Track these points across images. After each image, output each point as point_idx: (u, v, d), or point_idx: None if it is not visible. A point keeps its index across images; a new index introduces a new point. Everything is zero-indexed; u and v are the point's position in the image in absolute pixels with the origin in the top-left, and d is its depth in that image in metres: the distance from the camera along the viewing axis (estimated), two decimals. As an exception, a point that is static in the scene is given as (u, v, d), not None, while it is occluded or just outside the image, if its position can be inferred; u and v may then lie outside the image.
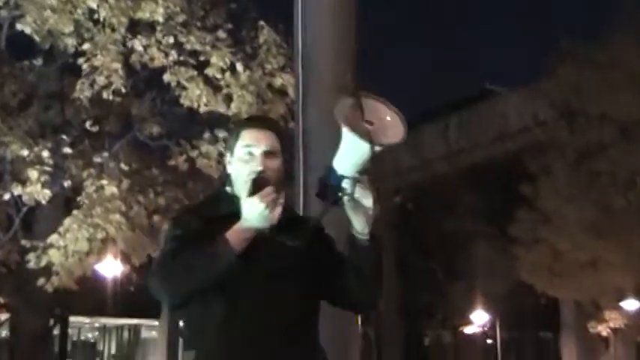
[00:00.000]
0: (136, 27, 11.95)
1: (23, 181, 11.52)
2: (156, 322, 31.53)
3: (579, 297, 22.10)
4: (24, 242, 12.24)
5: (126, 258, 13.97)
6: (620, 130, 19.55)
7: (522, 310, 26.12)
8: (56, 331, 22.31)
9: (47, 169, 11.66)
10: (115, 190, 11.81)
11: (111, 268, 15.37)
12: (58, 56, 12.82)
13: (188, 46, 12.00)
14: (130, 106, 13.88)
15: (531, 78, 24.33)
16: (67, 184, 12.36)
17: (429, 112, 28.39)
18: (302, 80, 3.87)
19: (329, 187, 2.49)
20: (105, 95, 11.60)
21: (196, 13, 12.43)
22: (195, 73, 11.97)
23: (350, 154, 2.43)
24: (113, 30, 11.56)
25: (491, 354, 29.50)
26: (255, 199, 2.43)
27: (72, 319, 25.94)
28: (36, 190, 11.36)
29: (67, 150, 12.50)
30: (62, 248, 11.57)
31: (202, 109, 12.10)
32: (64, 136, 12.77)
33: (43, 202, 11.60)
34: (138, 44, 11.80)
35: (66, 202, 13.18)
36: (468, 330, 28.61)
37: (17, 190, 11.49)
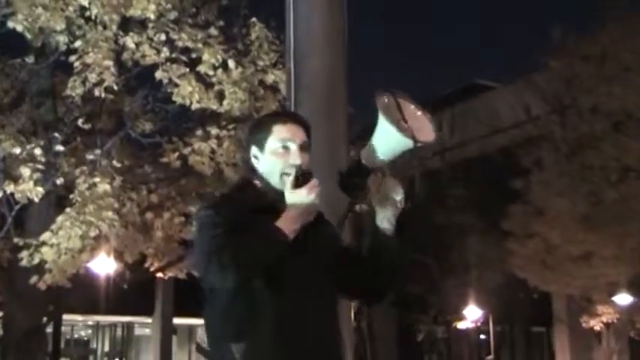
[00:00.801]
0: (127, 24, 11.93)
1: (15, 179, 11.49)
2: (149, 320, 31.57)
3: (572, 291, 22.14)
4: (16, 240, 12.22)
5: (119, 255, 13.96)
6: (612, 123, 19.59)
7: (515, 305, 26.17)
8: (49, 329, 22.24)
9: (39, 166, 11.63)
10: (107, 187, 11.79)
11: (104, 265, 15.32)
12: (49, 54, 12.79)
13: (180, 43, 11.98)
14: (122, 104, 13.89)
15: (523, 72, 24.35)
16: (59, 181, 12.34)
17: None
18: (294, 76, 3.87)
19: (354, 180, 2.59)
20: (97, 93, 11.58)
21: (188, 10, 12.42)
22: (187, 70, 11.96)
23: (384, 148, 2.52)
24: (105, 27, 11.54)
25: (484, 349, 29.58)
26: (304, 191, 2.51)
27: (65, 316, 25.81)
28: (28, 188, 11.33)
29: (60, 147, 12.49)
30: (55, 246, 11.56)
31: (194, 106, 12.10)
32: (56, 134, 12.76)
33: (36, 199, 11.58)
34: (130, 41, 11.78)
35: (58, 200, 13.16)
36: (461, 325, 28.65)
37: (9, 187, 11.46)
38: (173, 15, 11.95)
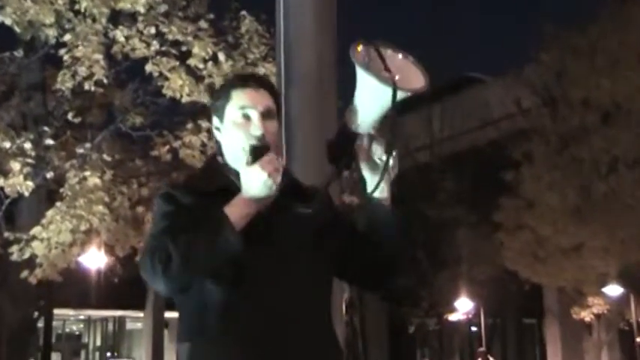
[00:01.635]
0: (117, 17, 11.90)
1: (5, 173, 11.46)
2: (141, 314, 31.50)
3: (562, 283, 22.20)
4: (7, 234, 12.19)
5: (110, 249, 13.97)
6: (602, 116, 19.64)
7: (506, 297, 26.21)
8: (40, 324, 22.22)
9: (29, 160, 11.61)
10: (97, 181, 11.78)
11: (95, 259, 15.33)
12: (39, 47, 12.76)
13: (170, 37, 11.96)
14: (112, 97, 13.86)
15: (513, 65, 24.38)
16: (49, 175, 12.32)
17: (412, 100, 28.36)
18: (284, 69, 3.86)
19: (341, 148, 2.28)
20: (87, 86, 11.55)
21: (178, 3, 12.39)
22: (178, 63, 11.93)
23: (368, 105, 2.23)
24: (94, 20, 11.50)
25: (475, 341, 29.63)
26: (257, 168, 2.15)
27: (56, 311, 25.87)
28: (18, 182, 11.31)
29: (50, 141, 12.46)
30: (45, 240, 11.55)
31: (185, 100, 12.07)
32: (46, 128, 12.73)
33: (26, 193, 11.56)
34: (119, 35, 11.75)
35: (49, 194, 13.14)
36: (452, 317, 28.70)
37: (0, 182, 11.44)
38: (163, 8, 11.92)
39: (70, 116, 12.86)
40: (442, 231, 25.68)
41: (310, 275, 2.28)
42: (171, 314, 31.09)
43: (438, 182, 26.57)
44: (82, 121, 13.31)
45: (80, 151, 12.49)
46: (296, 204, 2.28)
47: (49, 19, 11.35)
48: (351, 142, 2.28)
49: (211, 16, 12.54)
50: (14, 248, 11.72)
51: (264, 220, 2.21)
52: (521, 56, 23.68)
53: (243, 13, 12.68)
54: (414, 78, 2.27)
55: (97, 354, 37.93)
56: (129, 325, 37.10)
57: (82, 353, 38.41)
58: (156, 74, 12.02)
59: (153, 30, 11.86)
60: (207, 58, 11.93)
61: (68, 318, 35.92)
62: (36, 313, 16.14)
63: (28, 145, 11.72)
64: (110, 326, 37.48)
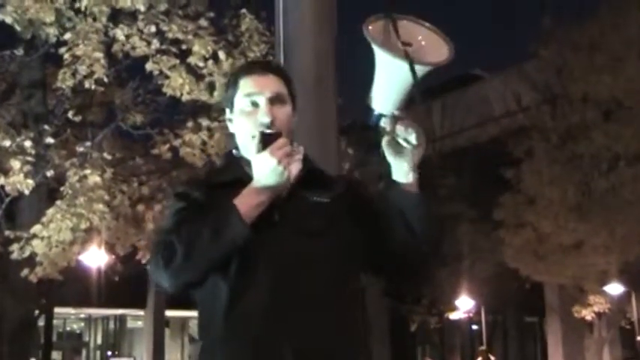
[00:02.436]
0: (117, 16, 11.89)
1: (6, 172, 11.46)
2: (142, 312, 31.57)
3: (563, 280, 22.20)
4: (7, 233, 12.19)
5: (110, 248, 13.98)
6: (602, 112, 19.63)
7: (507, 295, 26.21)
8: (41, 322, 22.23)
9: (30, 159, 11.61)
10: (98, 179, 11.77)
11: (95, 258, 15.34)
12: (39, 46, 12.76)
13: (170, 35, 11.94)
14: (112, 96, 13.87)
15: (513, 61, 24.40)
16: (49, 174, 12.32)
17: (413, 97, 28.36)
18: (284, 67, 3.85)
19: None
20: (87, 85, 11.53)
21: (178, 2, 12.37)
22: (178, 61, 11.91)
23: (387, 83, 2.11)
24: (94, 19, 11.49)
25: (476, 339, 29.65)
26: (266, 155, 2.06)
27: (57, 309, 25.87)
28: (19, 181, 11.31)
29: (50, 140, 12.47)
30: (46, 239, 11.54)
31: (185, 98, 12.05)
32: (47, 126, 12.74)
33: (26, 192, 11.55)
34: (120, 33, 11.73)
35: (49, 192, 13.15)
36: (453, 315, 28.71)
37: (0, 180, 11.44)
38: (163, 6, 11.90)
39: (70, 115, 12.86)
40: (443, 228, 25.65)
41: (328, 268, 2.14)
42: (172, 313, 31.15)
43: (439, 179, 26.57)
44: (83, 120, 13.30)
45: (80, 149, 12.49)
46: (313, 192, 2.19)
47: (50, 18, 11.33)
48: (376, 123, 2.18)
49: (211, 14, 12.53)
50: (14, 247, 11.72)
51: (278, 210, 2.12)
52: (521, 52, 23.62)
53: (244, 11, 12.66)
54: (436, 49, 2.15)
55: (98, 352, 37.93)
56: (130, 324, 37.12)
57: (83, 352, 38.42)
58: (156, 73, 12.01)
59: (153, 28, 11.84)
60: (207, 56, 11.91)
61: (69, 316, 35.92)
62: (36, 312, 16.14)
63: (28, 144, 11.72)
64: (111, 325, 37.49)
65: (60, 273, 12.28)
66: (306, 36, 3.88)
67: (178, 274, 2.05)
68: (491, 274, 24.83)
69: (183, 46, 11.99)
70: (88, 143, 12.63)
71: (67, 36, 11.53)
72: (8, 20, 11.26)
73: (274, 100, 2.23)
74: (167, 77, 11.92)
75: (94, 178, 11.74)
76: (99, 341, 38.20)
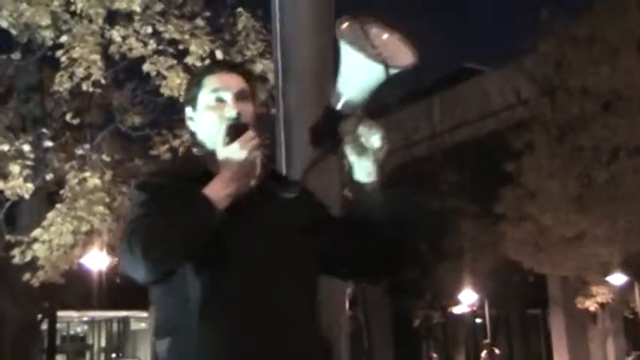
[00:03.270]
0: (113, 17, 11.88)
1: (5, 176, 11.46)
2: (145, 314, 31.56)
3: (566, 272, 22.19)
4: (8, 237, 12.18)
5: (111, 250, 13.94)
6: (602, 104, 19.62)
7: (510, 288, 26.19)
8: (44, 326, 22.22)
9: (29, 162, 11.61)
10: (97, 181, 11.77)
11: (97, 260, 15.33)
12: (36, 49, 12.75)
13: (166, 35, 11.93)
14: (110, 97, 13.85)
15: (512, 55, 24.39)
16: (49, 177, 12.31)
17: (412, 92, 28.39)
18: (281, 65, 3.83)
19: (326, 130, 2.17)
20: (85, 87, 11.52)
21: (174, 2, 12.37)
22: (175, 61, 11.91)
23: (354, 84, 2.13)
24: (90, 21, 11.48)
25: (480, 333, 29.62)
26: (235, 146, 2.10)
27: (60, 313, 25.84)
28: (18, 185, 11.30)
29: (49, 143, 12.46)
30: (47, 242, 11.54)
31: (183, 98, 12.02)
32: (45, 130, 12.72)
33: (26, 196, 11.55)
34: (116, 35, 11.72)
35: (49, 196, 13.14)
36: (456, 310, 28.70)
37: (-1, 185, 11.43)
38: (159, 7, 11.89)
39: (68, 117, 12.83)
40: (444, 223, 25.68)
41: (294, 262, 2.20)
42: (175, 313, 31.14)
43: (439, 174, 26.57)
44: (81, 122, 13.28)
45: (79, 152, 12.48)
46: (278, 189, 2.23)
47: (45, 21, 11.33)
48: (335, 124, 2.17)
49: (208, 13, 12.52)
50: (16, 251, 11.72)
51: (247, 202, 2.14)
52: (519, 46, 23.60)
53: (240, 10, 12.64)
54: (402, 54, 2.15)
55: (102, 355, 37.97)
56: (133, 326, 37.14)
57: (87, 354, 38.47)
58: (153, 73, 12.00)
59: (149, 29, 11.83)
60: (204, 56, 11.90)
61: (72, 319, 35.93)
62: (39, 316, 16.13)
63: (27, 148, 11.71)
64: (115, 327, 37.53)
65: (62, 276, 12.28)
66: (304, 34, 3.86)
67: (157, 263, 2.04)
68: (494, 268, 24.82)
69: (180, 46, 11.98)
70: (87, 146, 12.62)
71: (64, 39, 11.52)
72: (4, 24, 11.26)
73: (239, 96, 2.30)
74: (164, 78, 11.90)
75: (94, 181, 11.73)
76: (102, 344, 38.23)
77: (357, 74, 2.12)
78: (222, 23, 12.87)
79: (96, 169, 12.03)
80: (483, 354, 24.35)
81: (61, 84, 11.70)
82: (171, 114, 13.90)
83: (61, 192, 11.96)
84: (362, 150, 2.21)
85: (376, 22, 2.19)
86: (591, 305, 23.37)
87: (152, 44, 11.86)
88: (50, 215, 11.63)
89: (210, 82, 2.33)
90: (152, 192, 2.20)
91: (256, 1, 12.40)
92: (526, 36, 21.61)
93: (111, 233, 12.77)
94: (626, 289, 22.98)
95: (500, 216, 21.52)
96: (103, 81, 11.66)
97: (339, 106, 2.17)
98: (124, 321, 36.78)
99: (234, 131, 2.15)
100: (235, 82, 2.33)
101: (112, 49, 11.85)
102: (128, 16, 11.86)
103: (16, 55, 12.76)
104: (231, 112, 2.25)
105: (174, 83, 11.82)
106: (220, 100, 2.30)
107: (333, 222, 2.38)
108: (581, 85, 19.67)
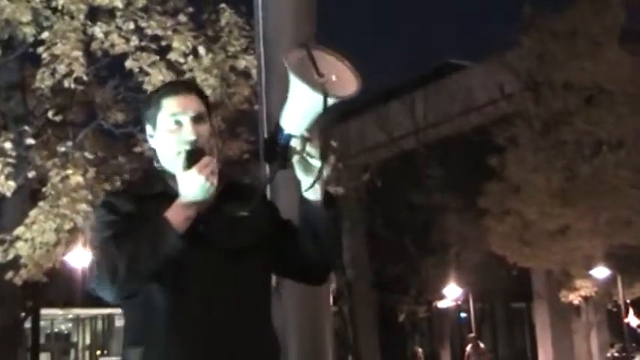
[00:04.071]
0: (95, 14, 11.80)
1: (-14, 174, 11.37)
2: (129, 311, 31.46)
3: (550, 266, 22.30)
4: (-10, 236, 12.10)
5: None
6: (584, 98, 19.72)
7: (495, 282, 26.28)
8: (28, 324, 22.12)
9: (11, 160, 11.51)
10: (80, 179, 11.69)
11: (80, 258, 15.24)
12: (17, 46, 12.64)
13: (149, 31, 11.86)
14: (92, 94, 13.77)
15: (495, 50, 24.43)
16: (31, 175, 12.21)
17: (395, 88, 28.41)
18: (264, 61, 3.81)
19: (277, 147, 2.27)
20: (67, 84, 11.45)
21: (156, -3, 12.30)
22: (158, 58, 11.84)
23: (300, 108, 2.21)
24: (72, 17, 11.40)
25: (465, 327, 29.71)
26: (194, 172, 2.23)
27: (44, 311, 25.74)
28: (0, 183, 11.22)
29: (31, 141, 12.35)
30: (29, 240, 11.47)
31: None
32: (27, 127, 12.61)
33: (8, 194, 11.47)
34: (98, 31, 11.65)
35: (31, 194, 13.06)
36: (441, 304, 28.77)
37: (-20, 183, 11.34)
38: (141, 3, 11.81)
39: (50, 115, 12.75)
40: (429, 217, 25.72)
41: (250, 276, 2.35)
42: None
43: (424, 169, 26.61)
44: (63, 120, 13.20)
45: (62, 149, 12.39)
46: (234, 206, 2.32)
47: (26, 18, 11.24)
48: (285, 142, 2.27)
49: (190, 9, 12.46)
50: (-2, 249, 11.64)
51: (202, 223, 2.28)
52: (502, 41, 23.66)
53: (223, 6, 12.59)
54: (347, 82, 2.23)
55: (87, 352, 37.85)
56: (118, 323, 36.99)
57: (72, 352, 38.33)
58: (136, 70, 11.93)
59: (132, 25, 11.76)
60: (187, 52, 11.85)
61: (56, 317, 35.81)
62: (23, 314, 16.05)
63: (8, 145, 11.62)
64: (99, 324, 37.41)
65: (45, 274, 12.21)
66: (286, 30, 3.84)
67: (123, 286, 2.21)
68: (479, 262, 24.90)
69: (163, 43, 11.92)
70: (70, 143, 12.52)
71: (45, 35, 11.43)
72: (-16, 22, 11.16)
73: (197, 119, 2.39)
74: (147, 74, 11.83)
75: (77, 178, 11.66)
76: (87, 341, 38.11)
77: (301, 101, 2.20)
78: (205, 19, 12.81)
79: (79, 166, 11.95)
80: (468, 348, 24.44)
81: (43, 81, 11.62)
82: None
83: (44, 190, 11.88)
84: (308, 169, 2.30)
85: (325, 50, 2.26)
86: (575, 298, 23.50)
87: (134, 40, 11.79)
88: (33, 213, 11.55)
89: (170, 105, 2.41)
90: (115, 214, 2.33)
91: (239, -3, 12.37)
92: (509, 31, 21.67)
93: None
94: (609, 282, 23.12)
95: (485, 210, 21.58)
96: (85, 78, 11.59)
97: (286, 127, 2.26)
98: (109, 318, 36.67)
99: (192, 157, 2.28)
100: (193, 105, 2.41)
101: (94, 45, 11.78)
102: (110, 12, 11.78)
103: (-4, 53, 12.67)
104: (189, 136, 2.35)
105: (157, 80, 11.74)
106: (179, 124, 2.38)
107: (280, 225, 2.52)
108: (564, 80, 19.76)
